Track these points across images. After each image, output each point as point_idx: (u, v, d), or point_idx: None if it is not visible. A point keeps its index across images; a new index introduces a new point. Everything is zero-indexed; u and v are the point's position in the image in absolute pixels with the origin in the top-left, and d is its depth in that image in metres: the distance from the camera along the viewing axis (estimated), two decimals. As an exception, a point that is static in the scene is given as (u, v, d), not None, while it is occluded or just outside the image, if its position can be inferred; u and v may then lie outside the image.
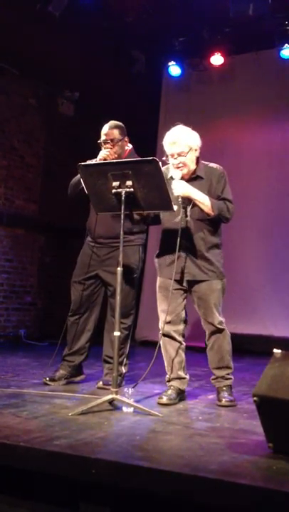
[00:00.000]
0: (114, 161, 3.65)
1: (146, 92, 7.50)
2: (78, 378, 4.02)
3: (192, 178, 3.50)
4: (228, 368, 3.54)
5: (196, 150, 3.47)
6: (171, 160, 3.45)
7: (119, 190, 3.17)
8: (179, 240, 3.35)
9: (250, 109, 7.12)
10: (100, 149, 3.88)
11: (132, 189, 3.15)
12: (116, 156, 3.82)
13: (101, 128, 3.91)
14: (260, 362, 3.04)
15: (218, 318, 3.49)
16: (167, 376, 3.54)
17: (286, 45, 6.64)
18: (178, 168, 3.42)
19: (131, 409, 3.08)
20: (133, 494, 2.12)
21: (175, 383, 3.49)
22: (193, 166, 3.49)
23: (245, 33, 6.59)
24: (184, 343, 3.58)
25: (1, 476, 2.36)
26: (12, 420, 2.75)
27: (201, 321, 3.58)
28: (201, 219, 3.48)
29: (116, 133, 3.86)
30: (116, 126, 3.88)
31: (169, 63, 7.33)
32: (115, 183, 3.18)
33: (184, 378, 3.53)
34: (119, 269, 3.19)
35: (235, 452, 2.35)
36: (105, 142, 3.85)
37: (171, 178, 3.40)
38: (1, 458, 2.34)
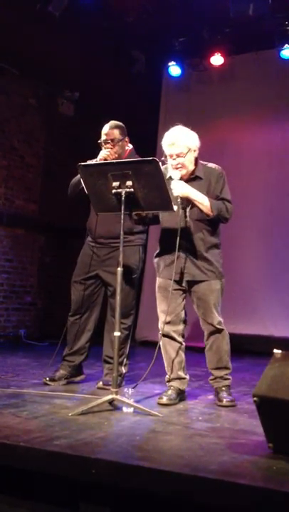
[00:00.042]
0: (114, 161, 3.65)
1: (146, 92, 7.50)
2: (78, 378, 4.02)
3: (191, 179, 3.50)
4: (226, 368, 3.54)
5: (194, 151, 3.47)
6: (169, 160, 3.45)
7: (119, 190, 3.17)
8: (178, 240, 3.35)
9: (250, 109, 7.12)
10: (100, 149, 3.88)
11: (132, 189, 3.15)
12: (116, 156, 3.82)
13: (101, 128, 3.91)
14: (260, 362, 3.04)
15: (218, 318, 3.49)
16: (167, 376, 3.55)
17: (286, 45, 6.63)
18: (176, 168, 3.42)
19: (131, 410, 3.08)
20: (133, 494, 2.12)
21: (175, 383, 3.49)
22: (191, 167, 3.49)
23: (245, 33, 6.58)
24: (184, 344, 3.58)
25: (1, 476, 2.36)
26: (12, 420, 2.75)
27: (200, 321, 3.58)
28: (200, 219, 3.48)
29: (116, 133, 3.86)
30: (116, 126, 3.88)
31: (169, 63, 7.33)
32: (115, 183, 3.18)
33: (184, 378, 3.53)
34: (119, 269, 3.19)
35: (235, 452, 2.35)
36: (106, 142, 3.85)
37: (170, 178, 3.40)
38: (1, 458, 2.34)
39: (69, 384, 3.90)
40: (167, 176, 3.42)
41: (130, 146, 3.96)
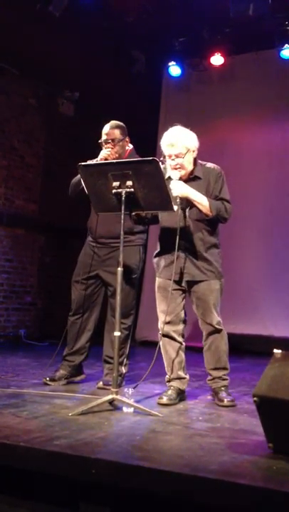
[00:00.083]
0: (114, 161, 3.65)
1: (146, 92, 7.50)
2: (78, 378, 4.02)
3: (190, 179, 3.50)
4: (225, 369, 3.54)
5: (193, 151, 3.47)
6: (168, 161, 3.45)
7: (119, 190, 3.17)
8: (177, 240, 3.35)
9: (250, 109, 7.12)
10: (100, 149, 3.88)
11: (132, 189, 3.15)
12: (117, 155, 3.82)
13: (101, 128, 3.91)
14: (260, 362, 3.04)
15: (217, 318, 3.50)
16: (167, 376, 3.55)
17: (286, 45, 6.64)
18: (175, 169, 3.42)
19: (131, 410, 3.08)
20: (133, 494, 2.12)
21: (175, 383, 3.49)
22: (190, 167, 3.49)
23: (245, 33, 6.59)
24: (184, 343, 3.58)
25: (1, 476, 2.36)
26: (12, 420, 2.75)
27: (198, 321, 3.58)
28: (200, 219, 3.48)
29: (117, 133, 3.86)
30: (117, 126, 3.88)
31: (169, 63, 7.33)
32: (115, 183, 3.18)
33: (184, 378, 3.53)
34: (120, 269, 3.19)
35: (235, 452, 2.35)
36: (106, 142, 3.85)
37: (169, 178, 3.40)
38: (1, 458, 2.34)
39: (69, 384, 3.90)
40: (166, 176, 3.42)
41: (131, 146, 3.96)
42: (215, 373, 3.54)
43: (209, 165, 3.59)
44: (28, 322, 7.40)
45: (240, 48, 6.98)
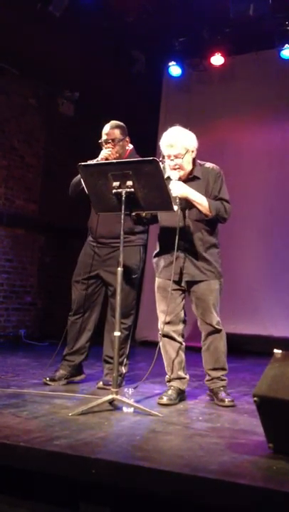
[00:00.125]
0: (114, 161, 3.65)
1: (146, 92, 7.50)
2: (78, 378, 4.02)
3: (189, 179, 3.50)
4: (223, 369, 3.54)
5: (192, 152, 3.47)
6: (167, 161, 3.45)
7: (119, 190, 3.17)
8: (177, 240, 3.35)
9: (250, 109, 7.12)
10: (100, 149, 3.88)
11: (132, 189, 3.15)
12: (117, 155, 3.82)
13: (101, 128, 3.91)
14: (261, 362, 3.04)
15: (216, 318, 3.50)
16: (167, 376, 3.55)
17: (286, 45, 6.64)
18: (174, 169, 3.43)
19: (131, 410, 3.08)
20: (133, 494, 2.12)
21: (175, 383, 3.49)
22: (189, 167, 3.49)
23: (245, 33, 6.59)
24: (184, 343, 3.58)
25: (1, 476, 2.36)
26: (12, 420, 2.75)
27: (198, 321, 3.58)
28: (199, 219, 3.48)
29: (117, 133, 3.86)
30: (117, 126, 3.88)
31: (169, 63, 7.33)
32: (115, 183, 3.18)
33: (184, 378, 3.53)
34: (120, 269, 3.19)
35: (235, 452, 2.35)
36: (106, 142, 3.85)
37: (169, 178, 3.40)
38: (1, 458, 2.34)
39: (69, 384, 3.90)
40: (165, 176, 3.42)
41: (131, 146, 3.96)
42: (213, 374, 3.54)
43: (208, 165, 3.59)
44: (28, 322, 7.40)
45: (240, 48, 6.98)
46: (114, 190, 3.18)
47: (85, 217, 4.07)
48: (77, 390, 3.74)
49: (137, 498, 2.12)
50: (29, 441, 2.36)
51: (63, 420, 2.81)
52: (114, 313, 3.45)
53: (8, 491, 2.36)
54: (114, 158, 3.76)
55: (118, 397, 3.08)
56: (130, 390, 3.20)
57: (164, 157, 3.46)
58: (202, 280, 3.49)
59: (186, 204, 3.43)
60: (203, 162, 3.60)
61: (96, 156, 3.86)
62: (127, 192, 3.15)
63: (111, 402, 3.11)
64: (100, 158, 3.81)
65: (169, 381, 3.53)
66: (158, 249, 3.62)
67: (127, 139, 3.93)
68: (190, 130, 3.53)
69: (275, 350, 2.48)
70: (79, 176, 3.71)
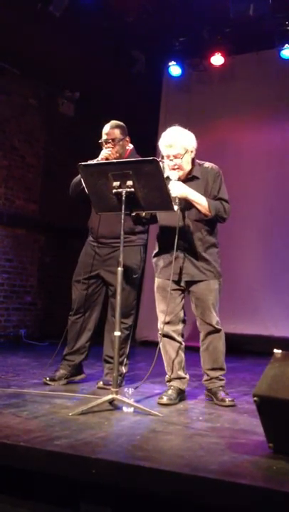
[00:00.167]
0: (114, 160, 3.65)
1: (146, 92, 7.50)
2: (78, 378, 4.02)
3: (188, 179, 3.50)
4: (221, 369, 3.54)
5: (191, 152, 3.47)
6: (166, 161, 3.45)
7: (119, 190, 3.17)
8: (176, 240, 3.35)
9: (250, 109, 7.12)
10: (100, 149, 3.88)
11: (132, 189, 3.15)
12: (117, 155, 3.82)
13: (101, 128, 3.91)
14: (261, 362, 3.05)
15: (216, 318, 3.50)
16: (167, 376, 3.55)
17: (286, 45, 6.63)
18: (173, 169, 3.43)
19: (131, 409, 3.08)
20: (134, 494, 2.12)
21: (175, 383, 3.49)
22: (188, 167, 3.49)
23: (245, 33, 6.59)
24: (184, 343, 3.58)
25: (1, 476, 2.36)
26: (12, 420, 2.75)
27: (197, 321, 3.58)
28: (199, 219, 3.48)
29: (117, 132, 3.86)
30: (117, 126, 3.88)
31: (170, 63, 7.33)
32: (116, 183, 3.18)
33: (184, 378, 3.53)
34: (120, 269, 3.20)
35: (235, 452, 2.35)
36: (106, 142, 3.85)
37: (168, 178, 3.40)
38: (1, 458, 2.34)
39: (69, 384, 3.90)
40: (164, 176, 3.42)
41: (131, 146, 3.96)
42: (212, 373, 3.54)
43: (207, 164, 3.60)
44: (29, 322, 7.41)
45: (240, 48, 6.98)
46: (114, 190, 3.18)
47: (85, 217, 4.07)
48: (77, 389, 3.74)
49: (138, 498, 2.12)
50: (29, 441, 2.36)
51: (63, 420, 2.81)
52: (114, 313, 3.45)
53: (9, 491, 2.36)
54: (115, 158, 3.76)
55: (118, 396, 3.08)
56: (130, 390, 3.21)
57: (163, 157, 3.46)
58: (201, 280, 3.49)
59: (186, 204, 3.43)
60: (202, 162, 3.60)
61: (96, 156, 3.86)
62: (127, 192, 3.15)
63: (111, 401, 3.11)
64: (100, 158, 3.81)
65: (169, 381, 3.53)
66: (157, 249, 3.62)
67: (127, 138, 3.93)
68: (190, 130, 3.53)
69: (275, 350, 2.48)
70: (79, 175, 3.70)
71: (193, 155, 3.50)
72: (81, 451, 2.25)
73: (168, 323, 3.48)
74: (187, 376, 3.56)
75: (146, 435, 2.62)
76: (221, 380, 3.54)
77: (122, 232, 3.22)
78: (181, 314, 3.56)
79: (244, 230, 6.86)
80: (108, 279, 3.85)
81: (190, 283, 3.51)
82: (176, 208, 3.32)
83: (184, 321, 3.58)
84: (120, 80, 7.01)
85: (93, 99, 7.53)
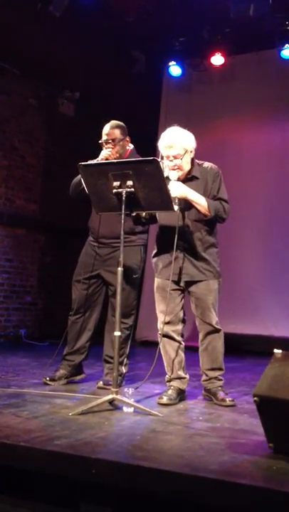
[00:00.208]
0: (114, 160, 3.65)
1: (146, 92, 7.50)
2: (78, 377, 4.03)
3: (188, 179, 3.50)
4: (220, 369, 3.55)
5: (191, 152, 3.48)
6: (166, 162, 3.45)
7: (119, 190, 3.17)
8: (176, 240, 3.35)
9: (250, 109, 7.12)
10: (100, 149, 3.88)
11: (132, 189, 3.15)
12: (117, 155, 3.82)
13: (101, 128, 3.90)
14: (261, 362, 3.04)
15: (216, 318, 3.50)
16: (167, 376, 3.55)
17: (286, 45, 6.63)
18: (173, 170, 3.43)
19: (131, 409, 3.09)
20: (134, 494, 2.12)
21: (175, 383, 3.50)
22: (188, 167, 3.50)
23: (245, 33, 6.58)
24: (183, 343, 3.58)
25: (1, 476, 2.36)
26: (12, 420, 2.75)
27: (196, 321, 3.58)
28: (198, 219, 3.48)
29: (117, 133, 3.85)
30: (117, 126, 3.88)
31: (170, 63, 7.33)
32: (116, 183, 3.18)
33: (184, 378, 3.53)
34: (120, 269, 3.20)
35: (235, 452, 2.35)
36: (106, 142, 3.85)
37: (167, 178, 3.40)
38: (1, 458, 2.34)
39: (69, 384, 3.90)
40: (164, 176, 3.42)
41: (131, 146, 3.96)
42: (211, 373, 3.54)
43: (206, 164, 3.60)
44: (29, 322, 7.41)
45: (240, 48, 6.97)
46: (114, 190, 3.18)
47: (85, 217, 4.07)
48: (77, 389, 3.74)
49: (138, 498, 2.12)
50: (29, 441, 2.36)
51: (63, 420, 2.81)
52: (114, 313, 3.45)
53: (9, 491, 2.36)
54: (115, 159, 3.76)
55: (118, 396, 3.08)
56: (130, 390, 3.21)
57: (162, 157, 3.46)
58: (201, 280, 3.49)
59: (185, 204, 3.43)
60: (202, 162, 3.60)
61: (96, 156, 3.86)
62: (127, 192, 3.15)
63: (111, 401, 3.11)
64: (100, 159, 3.81)
65: (169, 381, 3.53)
66: (157, 250, 3.62)
67: (128, 138, 3.93)
68: (190, 130, 3.53)
69: (275, 350, 2.48)
70: (79, 176, 3.70)
71: (192, 155, 3.50)
72: (81, 451, 2.25)
73: (168, 323, 3.48)
74: (187, 376, 3.56)
75: (146, 435, 2.62)
76: (219, 380, 3.54)
77: (122, 232, 3.22)
78: (181, 314, 3.56)
79: (244, 230, 6.86)
80: (108, 279, 3.85)
81: (190, 283, 3.51)
82: (176, 208, 3.32)
83: (183, 321, 3.58)
84: (120, 80, 7.01)
85: (93, 99, 7.53)
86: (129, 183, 3.14)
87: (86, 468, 2.15)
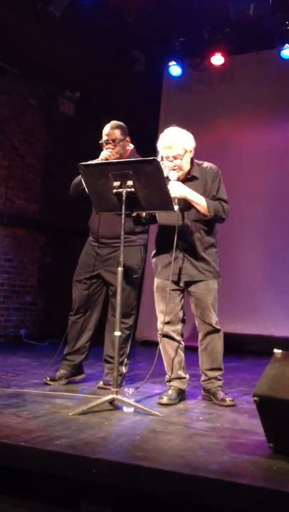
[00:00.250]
0: (114, 160, 3.65)
1: (146, 92, 7.50)
2: (79, 377, 4.03)
3: (187, 179, 3.50)
4: (219, 369, 3.55)
5: (190, 151, 3.48)
6: (166, 162, 3.44)
7: (120, 190, 3.17)
8: (175, 240, 3.35)
9: (250, 109, 7.12)
10: (100, 149, 3.88)
11: (132, 189, 3.15)
12: (118, 156, 3.82)
13: (101, 128, 3.90)
14: (261, 362, 3.04)
15: (215, 318, 3.50)
16: (167, 376, 3.55)
17: (286, 45, 6.63)
18: (173, 170, 3.43)
19: (131, 409, 3.09)
20: (134, 494, 2.12)
21: (175, 383, 3.50)
22: (188, 167, 3.50)
23: (245, 33, 6.59)
24: (183, 343, 3.58)
25: (1, 476, 2.36)
26: (12, 420, 2.75)
27: (196, 321, 3.58)
28: (198, 220, 3.48)
29: (117, 133, 3.85)
30: (117, 127, 3.88)
31: (170, 63, 7.33)
32: (116, 183, 3.18)
33: (184, 378, 3.53)
34: (120, 268, 3.20)
35: (235, 452, 2.36)
36: (107, 142, 3.85)
37: (167, 178, 3.41)
38: (2, 458, 2.34)
39: (69, 384, 3.90)
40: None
41: (131, 146, 3.96)
42: (210, 374, 3.54)
43: (206, 164, 3.60)
44: (29, 322, 7.41)
45: (240, 48, 6.98)
46: (114, 190, 3.18)
47: (85, 217, 4.07)
48: (77, 389, 3.74)
49: (138, 498, 2.12)
50: (29, 441, 2.36)
51: (64, 420, 2.81)
52: (114, 313, 3.45)
53: (9, 491, 2.36)
54: (115, 159, 3.76)
55: (118, 396, 3.08)
56: (130, 390, 3.21)
57: (162, 158, 3.46)
58: (201, 280, 3.49)
59: (185, 204, 3.43)
60: (201, 162, 3.60)
61: (96, 156, 3.86)
62: (127, 192, 3.15)
63: (111, 401, 3.11)
64: (100, 159, 3.81)
65: (169, 381, 3.53)
66: (156, 250, 3.63)
67: (128, 139, 3.92)
68: (190, 130, 3.53)
69: (276, 350, 2.48)
70: (80, 176, 3.71)
71: (192, 155, 3.50)
72: (81, 451, 2.26)
73: (167, 323, 3.48)
74: (187, 376, 3.56)
75: (146, 435, 2.62)
76: (219, 380, 3.54)
77: (122, 232, 3.22)
78: (181, 314, 3.56)
79: (244, 230, 6.86)
80: (108, 279, 3.85)
81: (189, 283, 3.51)
82: (176, 208, 3.32)
83: (183, 321, 3.58)
84: (120, 80, 7.01)
85: (93, 99, 7.53)
86: (130, 183, 3.14)
87: (86, 468, 2.15)
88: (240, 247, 6.85)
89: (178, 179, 3.43)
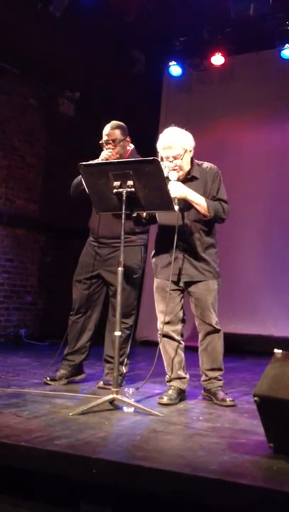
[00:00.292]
0: (114, 160, 3.65)
1: (146, 92, 7.50)
2: (79, 377, 4.03)
3: (187, 179, 3.50)
4: (219, 369, 3.55)
5: (190, 151, 3.48)
6: (166, 162, 3.44)
7: (120, 190, 3.17)
8: (175, 240, 3.35)
9: (250, 109, 7.12)
10: (100, 149, 3.88)
11: (132, 189, 3.15)
12: (118, 156, 3.82)
13: (101, 128, 3.90)
14: (261, 362, 3.05)
15: (215, 318, 3.50)
16: (167, 376, 3.55)
17: (287, 45, 6.64)
18: (174, 170, 3.43)
19: (131, 409, 3.09)
20: (134, 494, 2.12)
21: (175, 383, 3.50)
22: (187, 167, 3.50)
23: (245, 33, 6.59)
24: (183, 343, 3.58)
25: (1, 476, 2.36)
26: (13, 420, 2.75)
27: (196, 321, 3.58)
28: (198, 220, 3.48)
29: (118, 133, 3.85)
30: (118, 127, 3.88)
31: (170, 63, 7.33)
32: (116, 183, 3.18)
33: (184, 378, 3.53)
34: (120, 268, 3.20)
35: (235, 452, 2.36)
36: (107, 143, 3.85)
37: (167, 178, 3.40)
38: (2, 458, 2.34)
39: (70, 383, 3.91)
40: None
41: (132, 146, 3.96)
42: (211, 374, 3.54)
43: (206, 165, 3.60)
44: (29, 322, 7.41)
45: (240, 48, 6.98)
46: (114, 190, 3.18)
47: (85, 217, 4.07)
48: (77, 389, 3.74)
49: (138, 498, 2.12)
50: (30, 440, 2.36)
51: (64, 420, 2.81)
52: (115, 313, 3.45)
53: (9, 491, 2.36)
54: (115, 159, 3.76)
55: (118, 396, 3.08)
56: (131, 390, 3.21)
57: (162, 159, 3.46)
58: (200, 280, 3.49)
59: (185, 204, 3.43)
60: (201, 162, 3.60)
61: (97, 156, 3.86)
62: (127, 192, 3.15)
63: (111, 401, 3.11)
64: (100, 159, 3.81)
65: (169, 381, 3.53)
66: (156, 250, 3.63)
67: (128, 139, 3.92)
68: (190, 130, 3.53)
69: (276, 350, 2.48)
70: (80, 176, 3.70)
71: (192, 154, 3.50)
72: (81, 451, 2.26)
73: (167, 323, 3.48)
74: (187, 376, 3.57)
75: (146, 435, 2.62)
76: (219, 380, 3.54)
77: (122, 232, 3.22)
78: (181, 314, 3.56)
79: (244, 230, 6.86)
80: (109, 279, 3.86)
81: (189, 283, 3.51)
82: (176, 208, 3.32)
83: (183, 321, 3.58)
84: (120, 80, 7.01)
85: (93, 99, 7.54)
86: (130, 183, 3.14)
87: (86, 468, 2.15)
88: (240, 247, 6.85)
89: (178, 179, 3.43)
